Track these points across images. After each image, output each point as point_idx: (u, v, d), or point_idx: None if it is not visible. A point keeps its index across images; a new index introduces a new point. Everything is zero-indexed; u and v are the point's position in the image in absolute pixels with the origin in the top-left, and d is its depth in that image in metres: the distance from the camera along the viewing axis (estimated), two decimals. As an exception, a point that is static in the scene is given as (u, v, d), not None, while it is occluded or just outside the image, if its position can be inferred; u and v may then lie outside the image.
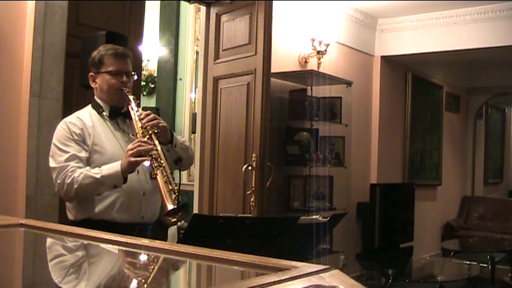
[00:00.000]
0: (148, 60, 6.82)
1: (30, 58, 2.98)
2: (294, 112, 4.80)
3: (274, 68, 4.06)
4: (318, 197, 4.87)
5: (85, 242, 1.50)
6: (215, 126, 4.08)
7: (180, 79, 6.70)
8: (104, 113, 2.37)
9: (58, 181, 2.22)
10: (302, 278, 0.98)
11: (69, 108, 3.23)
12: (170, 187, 2.09)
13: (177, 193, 2.08)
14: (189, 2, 4.72)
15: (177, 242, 1.88)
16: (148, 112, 2.31)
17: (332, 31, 5.32)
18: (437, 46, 5.79)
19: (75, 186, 2.18)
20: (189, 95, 6.61)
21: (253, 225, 1.89)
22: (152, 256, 1.37)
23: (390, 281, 4.47)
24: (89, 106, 2.43)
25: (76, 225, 2.24)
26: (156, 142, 2.22)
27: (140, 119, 2.27)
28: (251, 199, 3.63)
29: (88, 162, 2.26)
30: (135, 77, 2.46)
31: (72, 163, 2.21)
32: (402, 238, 6.10)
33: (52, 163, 2.27)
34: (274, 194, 4.56)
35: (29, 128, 2.97)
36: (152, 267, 1.37)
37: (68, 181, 2.19)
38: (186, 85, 6.64)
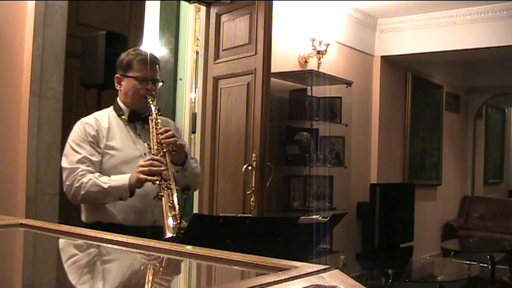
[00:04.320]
0: (148, 60, 6.81)
1: (30, 58, 2.98)
2: (294, 112, 4.80)
3: (274, 68, 4.06)
4: (318, 197, 4.87)
5: (85, 242, 1.50)
6: (215, 126, 4.08)
7: (180, 79, 6.69)
8: (123, 117, 2.36)
9: (67, 183, 2.21)
10: (302, 278, 0.98)
11: (69, 108, 3.24)
12: (174, 213, 2.04)
13: (179, 221, 2.03)
14: (189, 2, 4.72)
15: (177, 242, 1.88)
16: (167, 128, 2.28)
17: (332, 31, 5.32)
18: (437, 46, 5.80)
19: (82, 192, 2.17)
20: (189, 95, 6.61)
21: (253, 225, 1.89)
22: (152, 256, 1.37)
23: (390, 281, 4.47)
24: (111, 107, 2.42)
25: (88, 227, 2.22)
26: (169, 162, 2.19)
27: (158, 134, 2.23)
28: (251, 199, 3.63)
29: (100, 163, 2.25)
30: (161, 84, 2.44)
31: (83, 166, 2.20)
32: (402, 238, 6.10)
33: (63, 163, 2.27)
34: (274, 194, 4.56)
35: (29, 128, 2.97)
36: (152, 267, 1.37)
37: (77, 185, 2.18)
38: (186, 85, 6.64)
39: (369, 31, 6.05)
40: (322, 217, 2.06)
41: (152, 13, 6.35)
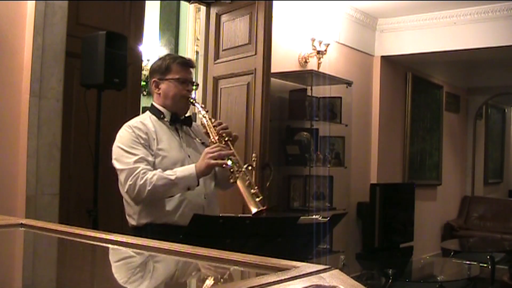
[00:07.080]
0: (148, 60, 6.81)
1: (30, 58, 2.97)
2: (294, 112, 4.80)
3: (274, 68, 4.06)
4: (318, 197, 4.87)
5: (85, 242, 1.50)
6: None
7: (180, 79, 6.69)
8: (165, 119, 2.42)
9: (129, 182, 2.21)
10: (302, 278, 0.98)
11: (69, 108, 3.23)
12: (253, 191, 2.13)
13: (261, 197, 2.12)
14: (189, 2, 4.72)
15: (177, 242, 1.88)
16: (220, 121, 2.41)
17: (332, 31, 5.32)
18: (437, 46, 5.80)
19: (149, 188, 2.19)
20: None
21: (253, 225, 1.89)
22: (152, 256, 1.37)
23: (390, 281, 4.46)
24: (148, 112, 2.47)
25: (138, 230, 2.29)
26: (233, 148, 2.29)
27: (214, 126, 2.34)
28: (251, 199, 3.62)
29: (153, 164, 2.29)
30: (197, 87, 2.56)
31: (142, 165, 2.23)
32: (402, 238, 6.10)
33: (119, 165, 2.27)
34: (274, 194, 4.56)
35: (29, 128, 2.96)
36: (152, 267, 1.37)
37: (141, 182, 2.19)
38: (186, 85, 6.64)
39: (369, 31, 6.05)
40: (322, 217, 2.07)
41: (152, 13, 6.35)
